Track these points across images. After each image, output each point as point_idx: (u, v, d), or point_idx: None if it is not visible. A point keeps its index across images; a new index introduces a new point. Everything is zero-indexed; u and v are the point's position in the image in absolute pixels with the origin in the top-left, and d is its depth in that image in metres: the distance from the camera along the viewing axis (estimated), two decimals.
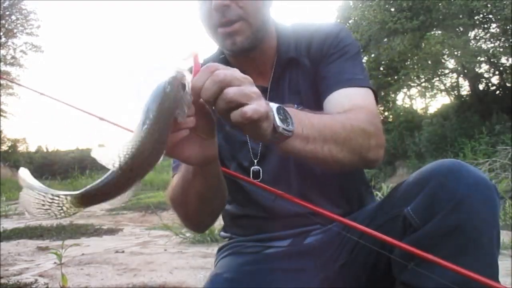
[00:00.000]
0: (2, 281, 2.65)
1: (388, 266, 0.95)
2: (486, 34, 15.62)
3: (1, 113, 24.72)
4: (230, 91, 0.69)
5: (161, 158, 0.68)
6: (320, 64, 1.13)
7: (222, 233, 1.32)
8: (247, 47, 1.06)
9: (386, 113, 19.23)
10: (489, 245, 0.86)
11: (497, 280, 0.87)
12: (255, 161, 1.16)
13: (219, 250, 1.30)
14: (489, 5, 13.58)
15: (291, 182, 1.14)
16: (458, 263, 0.80)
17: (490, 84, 17.15)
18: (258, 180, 1.12)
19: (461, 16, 14.38)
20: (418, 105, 23.17)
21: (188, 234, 4.11)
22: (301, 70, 1.15)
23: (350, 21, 18.08)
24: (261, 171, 1.14)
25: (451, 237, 0.85)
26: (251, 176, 1.14)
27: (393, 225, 0.95)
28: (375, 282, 0.99)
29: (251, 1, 1.03)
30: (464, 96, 18.17)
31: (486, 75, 17.05)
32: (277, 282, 1.08)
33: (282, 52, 1.15)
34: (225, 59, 1.18)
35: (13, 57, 25.21)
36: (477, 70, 16.28)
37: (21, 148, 27.47)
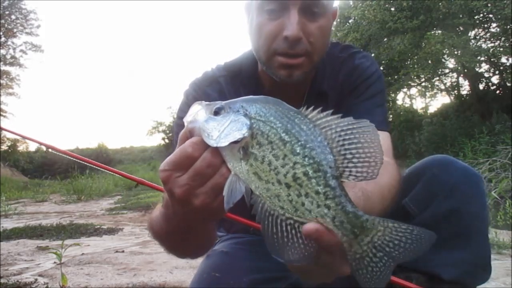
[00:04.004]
0: (2, 280, 2.65)
1: None
2: (486, 33, 15.63)
3: (1, 113, 24.74)
4: None
5: None
6: (347, 97, 1.12)
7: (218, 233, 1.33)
8: (300, 81, 1.03)
9: None
10: (483, 227, 0.93)
11: (489, 262, 0.94)
12: None
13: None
14: (489, 5, 13.58)
15: None
16: (458, 247, 0.89)
17: (490, 84, 17.16)
18: None
19: (461, 16, 14.38)
20: (418, 104, 23.27)
21: None
22: (328, 102, 1.13)
23: (350, 21, 18.10)
24: None
25: (448, 221, 0.92)
26: None
27: (394, 216, 0.98)
28: None
29: (320, 38, 1.01)
30: (464, 95, 18.18)
31: (486, 75, 17.07)
32: (264, 257, 1.10)
33: (317, 84, 1.13)
34: (257, 77, 1.14)
35: (12, 57, 25.25)
36: (477, 69, 16.28)
37: (21, 148, 27.49)
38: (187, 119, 0.64)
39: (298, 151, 0.59)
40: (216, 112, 0.62)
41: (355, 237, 0.59)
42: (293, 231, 0.60)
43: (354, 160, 0.59)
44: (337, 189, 0.59)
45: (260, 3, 0.99)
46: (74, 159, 1.10)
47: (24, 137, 1.18)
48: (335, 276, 0.64)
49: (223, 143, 0.59)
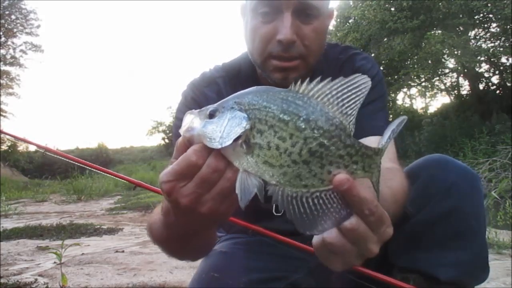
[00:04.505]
0: (2, 280, 2.65)
1: (385, 252, 0.97)
2: (486, 33, 15.62)
3: (1, 113, 24.73)
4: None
5: None
6: None
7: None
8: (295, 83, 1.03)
9: None
10: (480, 227, 0.92)
11: (487, 262, 0.93)
12: None
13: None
14: (489, 5, 13.57)
15: None
16: (456, 247, 0.87)
17: (490, 84, 17.15)
18: (280, 213, 1.11)
19: (461, 16, 14.37)
20: (418, 104, 23.30)
21: None
22: None
23: (350, 21, 18.08)
24: None
25: (445, 221, 0.90)
26: (273, 209, 1.11)
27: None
28: (372, 267, 0.99)
29: (315, 41, 1.00)
30: (464, 95, 18.18)
31: (486, 75, 17.06)
32: (263, 257, 1.10)
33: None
34: (256, 78, 1.13)
35: (12, 57, 25.23)
36: (477, 69, 16.27)
37: (21, 148, 27.47)
38: (182, 130, 0.63)
39: (303, 126, 0.59)
40: (211, 115, 0.62)
41: (378, 167, 0.63)
42: (321, 201, 0.60)
43: (354, 113, 0.61)
44: (356, 144, 0.61)
45: (254, 6, 0.98)
46: (71, 161, 1.10)
47: (19, 139, 1.17)
48: (364, 257, 0.63)
49: (227, 142, 0.59)
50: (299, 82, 0.61)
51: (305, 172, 0.60)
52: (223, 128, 0.60)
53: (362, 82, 0.61)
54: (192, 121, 0.63)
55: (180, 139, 0.63)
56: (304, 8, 0.96)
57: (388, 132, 0.65)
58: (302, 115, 0.59)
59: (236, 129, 0.59)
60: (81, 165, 1.10)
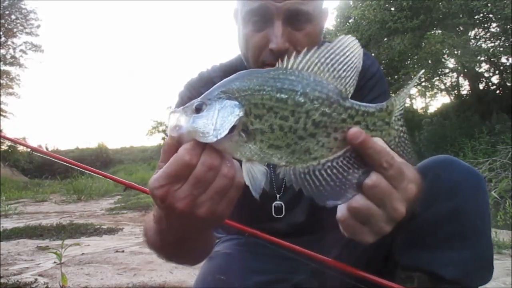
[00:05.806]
0: (2, 280, 2.64)
1: (388, 252, 0.97)
2: (486, 33, 15.61)
3: (1, 113, 24.71)
4: None
5: None
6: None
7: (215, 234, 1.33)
8: None
9: None
10: (485, 227, 0.91)
11: (491, 262, 0.92)
12: (278, 195, 1.10)
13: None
14: (489, 5, 13.56)
15: (310, 215, 1.12)
16: (460, 246, 0.87)
17: (490, 84, 17.14)
18: (281, 215, 1.10)
19: (461, 16, 14.36)
20: (418, 104, 23.24)
21: None
22: None
23: (350, 21, 18.07)
24: (283, 206, 1.10)
25: (450, 220, 0.90)
26: (272, 211, 1.11)
27: None
28: (377, 265, 0.99)
29: (309, 46, 0.98)
30: (464, 95, 18.17)
31: (486, 75, 17.04)
32: (266, 259, 1.09)
33: None
34: None
35: (12, 57, 25.21)
36: (477, 69, 16.26)
37: (21, 148, 27.42)
38: (169, 130, 0.60)
39: (302, 100, 0.58)
40: (198, 109, 0.58)
41: (389, 125, 0.62)
42: (334, 170, 0.60)
43: (348, 74, 0.60)
44: (354, 104, 0.60)
45: (245, 14, 0.97)
46: (59, 161, 1.09)
47: (6, 138, 1.17)
48: (393, 221, 0.61)
49: (223, 133, 0.56)
50: (285, 58, 0.59)
51: (313, 145, 0.59)
52: (215, 120, 0.57)
53: (349, 42, 0.60)
54: (178, 119, 0.59)
55: (168, 140, 0.60)
56: (295, 14, 0.95)
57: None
58: (299, 90, 0.58)
59: (229, 118, 0.57)
60: (68, 164, 1.09)
